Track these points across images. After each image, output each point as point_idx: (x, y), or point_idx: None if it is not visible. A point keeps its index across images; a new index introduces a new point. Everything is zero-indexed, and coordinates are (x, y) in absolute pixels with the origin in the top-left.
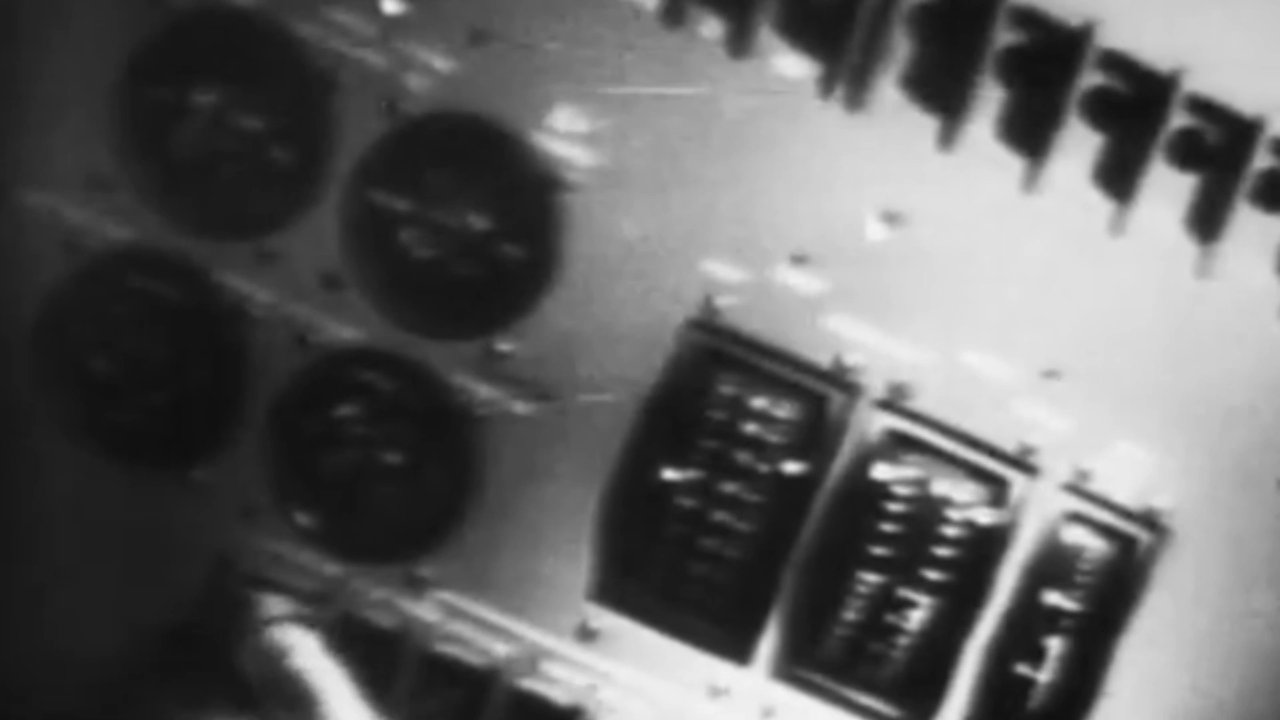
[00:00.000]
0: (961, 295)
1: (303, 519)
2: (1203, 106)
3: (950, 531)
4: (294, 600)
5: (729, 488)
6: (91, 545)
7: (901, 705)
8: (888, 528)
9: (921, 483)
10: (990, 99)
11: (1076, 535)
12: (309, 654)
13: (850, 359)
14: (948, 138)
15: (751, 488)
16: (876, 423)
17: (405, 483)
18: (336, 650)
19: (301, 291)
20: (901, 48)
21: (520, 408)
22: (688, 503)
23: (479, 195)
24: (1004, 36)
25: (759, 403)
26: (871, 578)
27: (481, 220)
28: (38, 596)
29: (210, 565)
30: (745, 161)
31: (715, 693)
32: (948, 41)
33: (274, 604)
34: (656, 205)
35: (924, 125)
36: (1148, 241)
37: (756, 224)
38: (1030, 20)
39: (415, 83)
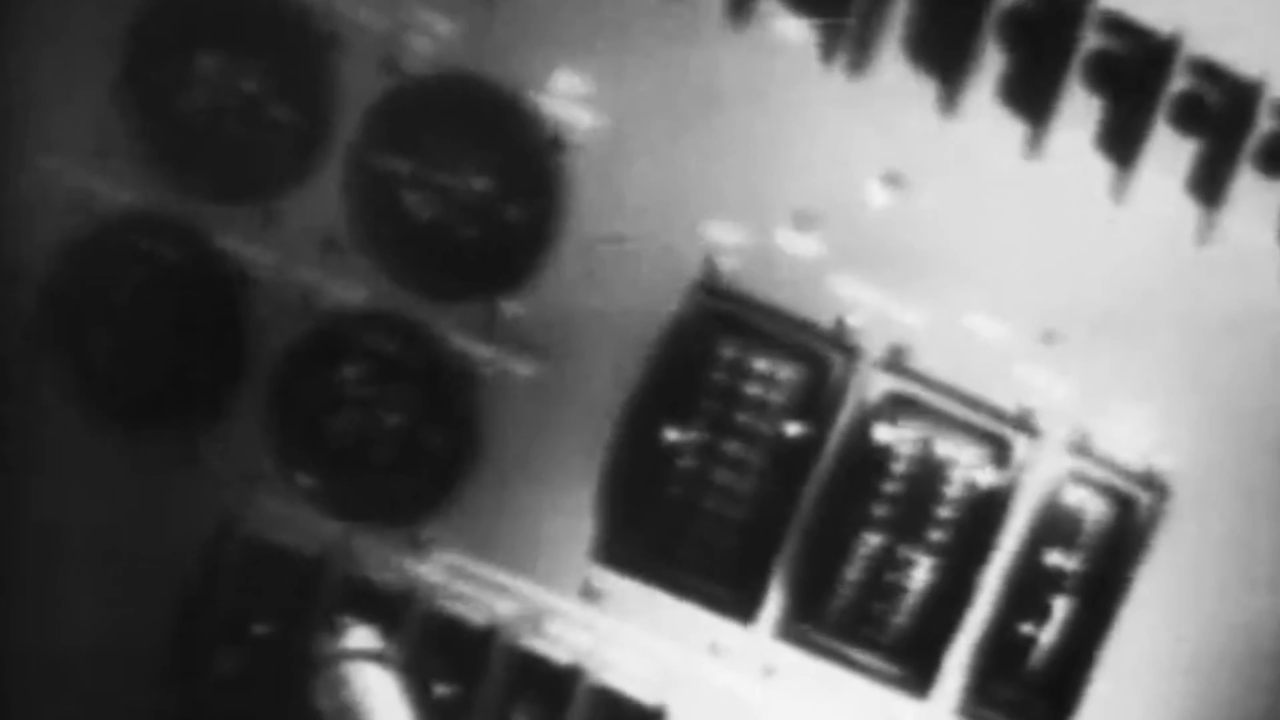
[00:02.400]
0: (963, 258)
1: (306, 480)
2: (1203, 69)
3: (952, 492)
4: (378, 636)
5: (731, 449)
6: (94, 508)
7: (903, 664)
8: (889, 489)
9: (923, 444)
10: (992, 64)
11: (1078, 496)
12: (385, 695)
13: (851, 321)
14: (949, 102)
15: (753, 449)
16: (878, 384)
17: (408, 444)
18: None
19: (304, 254)
20: (903, 11)
21: (523, 369)
22: (690, 464)
23: (481, 157)
24: (1005, 1)
25: (761, 364)
26: (873, 538)
27: (483, 182)
28: (42, 562)
29: (215, 527)
30: (747, 124)
31: (717, 651)
32: (949, 6)
33: (358, 637)
34: (658, 168)
35: (925, 89)
36: (1149, 206)
37: (758, 187)
38: None
39: (417, 44)
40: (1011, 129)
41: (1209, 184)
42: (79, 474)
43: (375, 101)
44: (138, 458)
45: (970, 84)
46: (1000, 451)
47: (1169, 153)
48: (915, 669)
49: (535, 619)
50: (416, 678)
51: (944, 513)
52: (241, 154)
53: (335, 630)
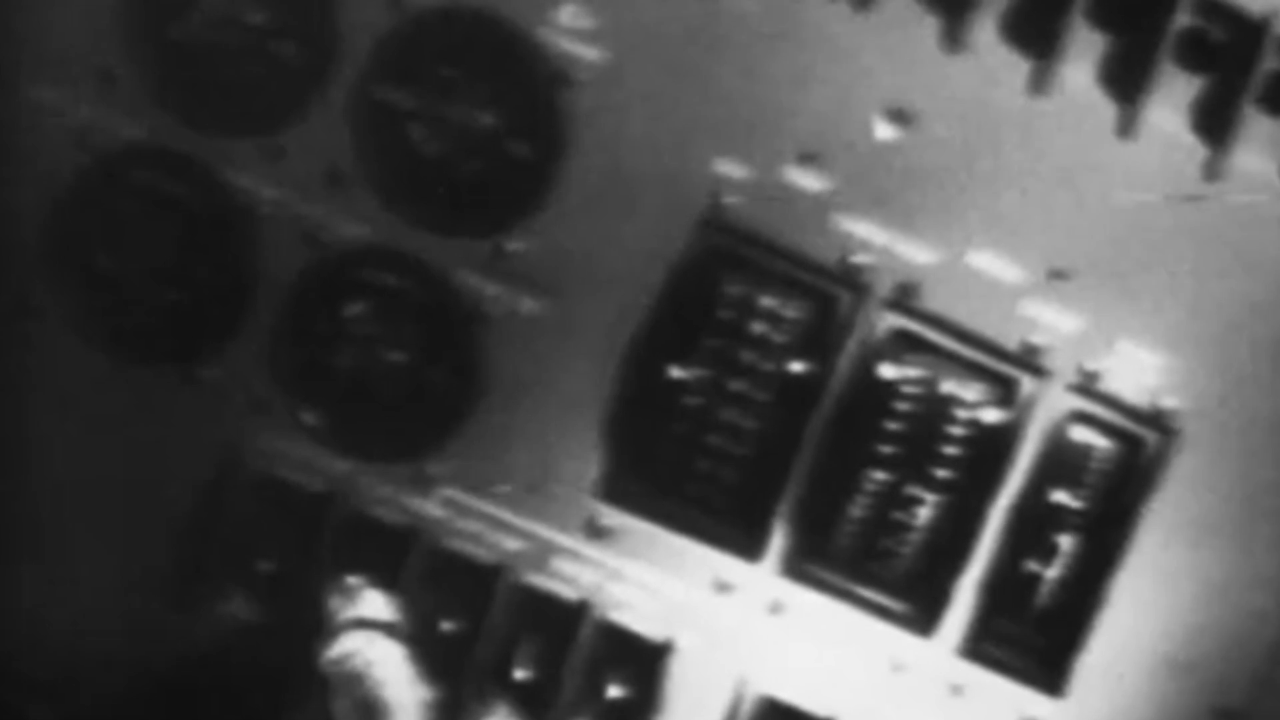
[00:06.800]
0: (969, 195)
1: (310, 417)
2: (1208, 6)
3: (957, 430)
4: (390, 604)
5: (736, 386)
6: (98, 444)
7: (909, 601)
8: (895, 426)
9: (929, 382)
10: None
11: (1084, 435)
12: (391, 665)
13: (857, 258)
14: (953, 38)
15: (759, 386)
16: (884, 322)
17: (413, 380)
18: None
19: (309, 189)
20: None
21: (528, 305)
22: (695, 401)
23: (486, 92)
24: None
25: (767, 302)
26: (879, 475)
27: (488, 117)
28: (47, 493)
29: (220, 463)
30: (752, 60)
31: (723, 588)
32: None
33: (369, 605)
34: (663, 103)
35: (931, 24)
36: (1156, 143)
37: (764, 122)
38: None
39: None
40: (1017, 65)
41: (1215, 121)
42: (83, 408)
43: (380, 35)
44: (142, 393)
45: (975, 19)
46: (1006, 390)
47: (1175, 89)
48: (921, 606)
49: (541, 556)
50: (422, 614)
51: (950, 450)
52: (246, 88)
53: (347, 594)
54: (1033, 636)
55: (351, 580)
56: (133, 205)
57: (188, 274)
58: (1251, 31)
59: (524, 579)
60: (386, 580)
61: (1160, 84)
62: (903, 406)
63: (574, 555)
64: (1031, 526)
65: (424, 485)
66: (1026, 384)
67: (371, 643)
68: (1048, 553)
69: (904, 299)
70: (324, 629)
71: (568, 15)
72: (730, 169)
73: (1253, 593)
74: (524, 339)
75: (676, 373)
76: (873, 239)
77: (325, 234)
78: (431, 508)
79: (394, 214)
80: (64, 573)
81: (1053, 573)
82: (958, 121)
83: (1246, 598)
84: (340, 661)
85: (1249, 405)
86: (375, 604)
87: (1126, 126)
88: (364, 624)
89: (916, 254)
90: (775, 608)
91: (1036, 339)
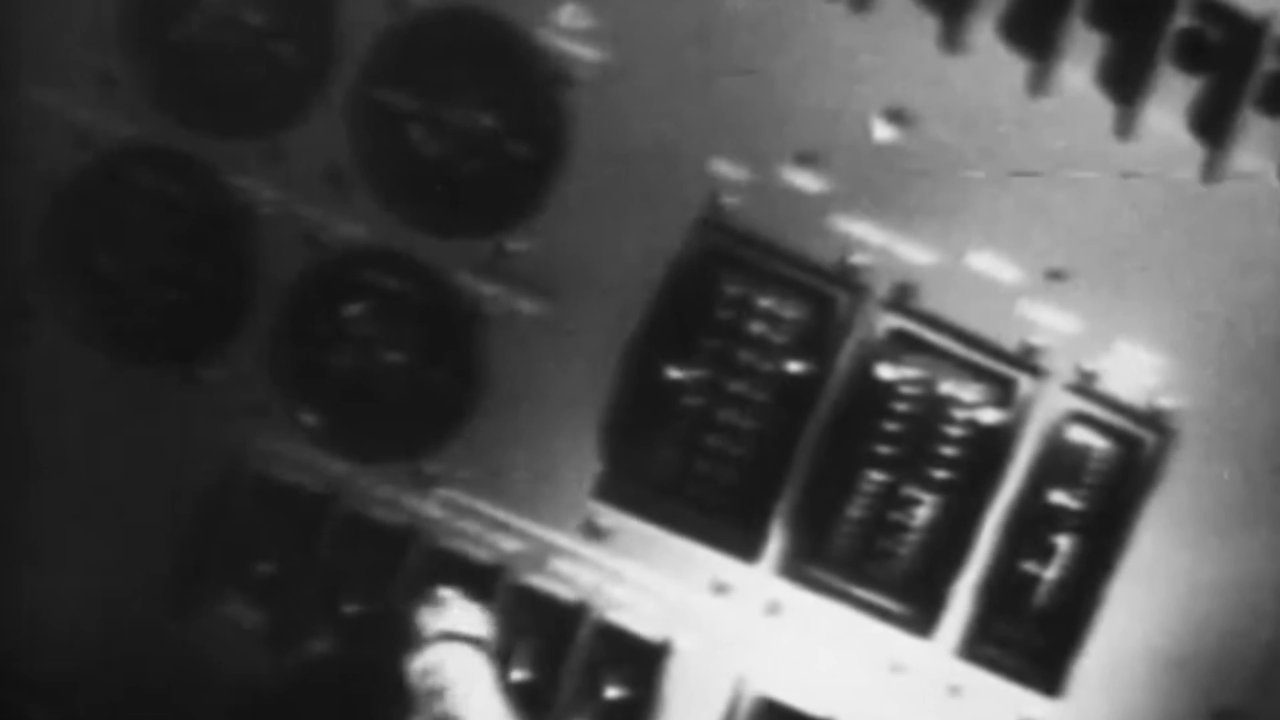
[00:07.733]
0: (968, 196)
1: (309, 418)
2: (1206, 7)
3: (955, 431)
4: (477, 618)
5: (735, 387)
6: (96, 444)
7: (907, 602)
8: (893, 427)
9: (927, 382)
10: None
11: (1082, 435)
12: (475, 678)
13: (856, 259)
14: (951, 39)
15: (757, 387)
16: (882, 323)
17: (412, 381)
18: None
19: (309, 190)
20: None
21: (527, 306)
22: (693, 401)
23: (486, 92)
24: None
25: (765, 302)
26: (877, 476)
27: (488, 118)
28: (46, 497)
29: (219, 464)
30: (751, 60)
31: (721, 589)
32: None
33: (458, 618)
34: (662, 103)
35: (929, 24)
36: (1154, 143)
37: (763, 123)
38: None
39: None
40: (1015, 65)
41: (1214, 122)
42: (83, 408)
43: (380, 35)
44: (142, 393)
45: (974, 20)
46: (1004, 390)
47: (1173, 90)
48: (919, 607)
49: (539, 556)
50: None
51: (948, 451)
52: (246, 89)
53: (437, 606)
54: (1031, 637)
55: (443, 592)
56: (133, 206)
57: (188, 274)
58: (1250, 32)
59: (523, 579)
60: (385, 581)
61: (1159, 85)
62: (901, 407)
63: (572, 556)
64: (1030, 527)
65: (424, 486)
66: (1024, 384)
67: (458, 656)
68: (1046, 553)
69: (902, 299)
70: (411, 641)
71: (567, 16)
72: (729, 169)
73: (1251, 592)
74: (523, 340)
75: (675, 373)
76: (871, 239)
77: (325, 234)
78: (430, 508)
79: (394, 214)
80: (64, 574)
81: (1051, 573)
82: (956, 122)
83: (1245, 597)
84: (426, 674)
85: (1247, 405)
86: (465, 617)
87: (1125, 127)
88: (452, 637)
89: (915, 254)
90: (773, 608)
91: (1034, 339)
